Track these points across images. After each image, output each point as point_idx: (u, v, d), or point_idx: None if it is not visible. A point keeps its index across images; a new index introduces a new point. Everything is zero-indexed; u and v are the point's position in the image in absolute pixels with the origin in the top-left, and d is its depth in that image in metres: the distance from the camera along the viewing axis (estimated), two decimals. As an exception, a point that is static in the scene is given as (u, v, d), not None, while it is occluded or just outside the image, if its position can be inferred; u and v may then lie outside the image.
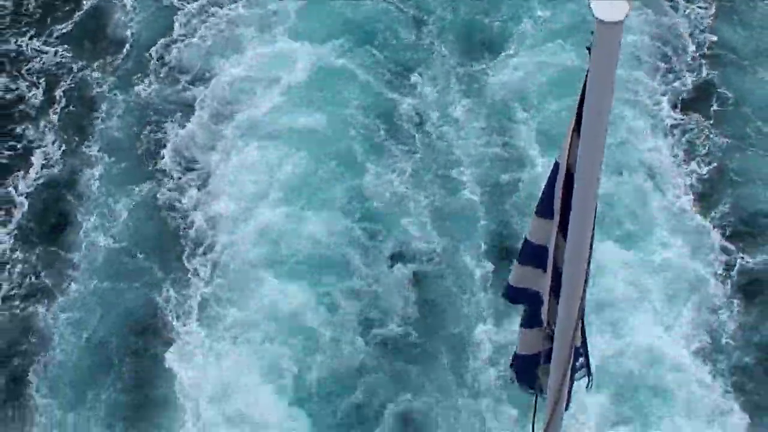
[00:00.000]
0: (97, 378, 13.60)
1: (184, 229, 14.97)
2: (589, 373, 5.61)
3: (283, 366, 13.52)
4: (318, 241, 14.61)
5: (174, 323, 14.01)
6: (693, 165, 15.53)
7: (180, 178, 15.50)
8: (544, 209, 5.01)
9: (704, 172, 15.45)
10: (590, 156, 4.43)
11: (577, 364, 5.41)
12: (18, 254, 14.70)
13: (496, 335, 13.78)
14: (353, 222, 14.86)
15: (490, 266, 14.42)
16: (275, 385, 13.40)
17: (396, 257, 14.62)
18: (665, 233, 14.70)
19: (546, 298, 5.27)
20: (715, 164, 15.58)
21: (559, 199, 4.86)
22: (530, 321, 5.59)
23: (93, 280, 14.46)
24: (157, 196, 15.30)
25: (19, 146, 15.92)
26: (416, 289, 14.34)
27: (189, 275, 14.49)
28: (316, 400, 13.37)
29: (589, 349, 5.47)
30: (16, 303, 14.27)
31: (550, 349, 5.31)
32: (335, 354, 13.64)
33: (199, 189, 15.39)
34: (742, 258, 14.55)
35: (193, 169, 15.62)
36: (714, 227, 14.85)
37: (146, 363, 13.74)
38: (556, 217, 4.95)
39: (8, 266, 14.60)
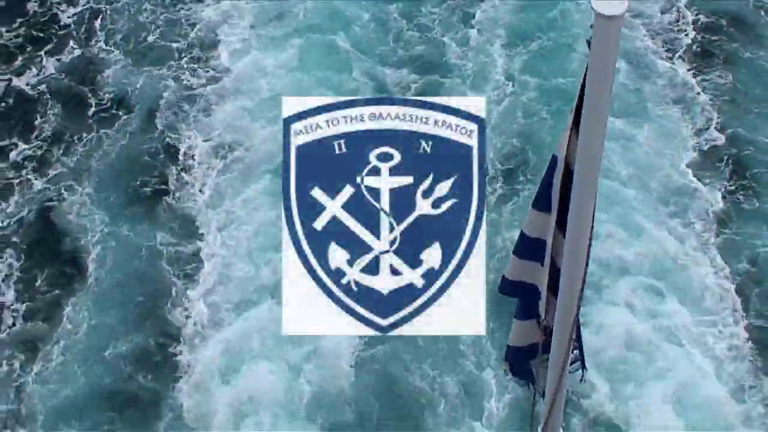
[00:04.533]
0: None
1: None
2: (583, 366, 5.64)
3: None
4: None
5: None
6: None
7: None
8: (542, 202, 5.00)
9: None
10: (590, 151, 4.41)
11: (572, 356, 5.43)
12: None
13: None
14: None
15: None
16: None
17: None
18: None
19: (544, 291, 5.27)
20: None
21: (557, 194, 4.85)
22: (524, 313, 5.59)
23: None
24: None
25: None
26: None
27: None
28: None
29: (582, 342, 5.50)
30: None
31: (546, 341, 5.32)
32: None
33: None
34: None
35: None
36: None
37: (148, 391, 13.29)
38: (554, 211, 4.94)
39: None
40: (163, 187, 15.14)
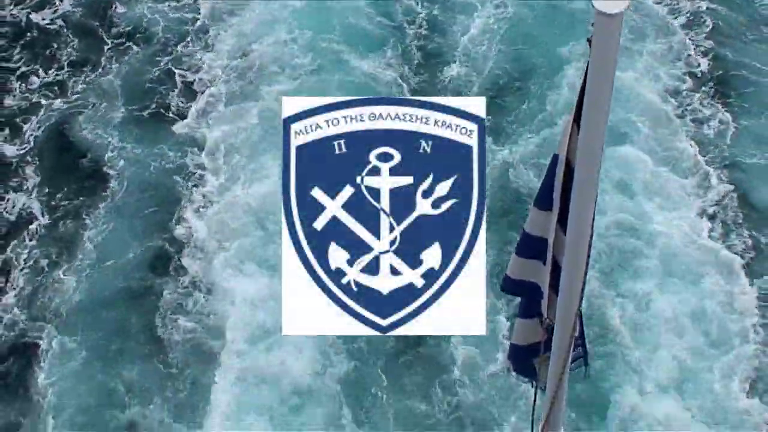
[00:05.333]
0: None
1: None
2: (586, 363, 5.63)
3: None
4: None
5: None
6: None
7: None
8: (543, 201, 5.00)
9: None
10: (590, 148, 4.40)
11: (573, 354, 5.43)
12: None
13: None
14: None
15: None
16: None
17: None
18: None
19: (546, 290, 5.26)
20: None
21: (558, 191, 4.84)
22: (527, 311, 5.59)
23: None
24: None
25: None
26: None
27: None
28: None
29: (586, 339, 5.49)
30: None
31: (548, 340, 5.31)
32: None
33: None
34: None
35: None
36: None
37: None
38: (556, 209, 4.94)
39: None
40: (170, 111, 16.44)
